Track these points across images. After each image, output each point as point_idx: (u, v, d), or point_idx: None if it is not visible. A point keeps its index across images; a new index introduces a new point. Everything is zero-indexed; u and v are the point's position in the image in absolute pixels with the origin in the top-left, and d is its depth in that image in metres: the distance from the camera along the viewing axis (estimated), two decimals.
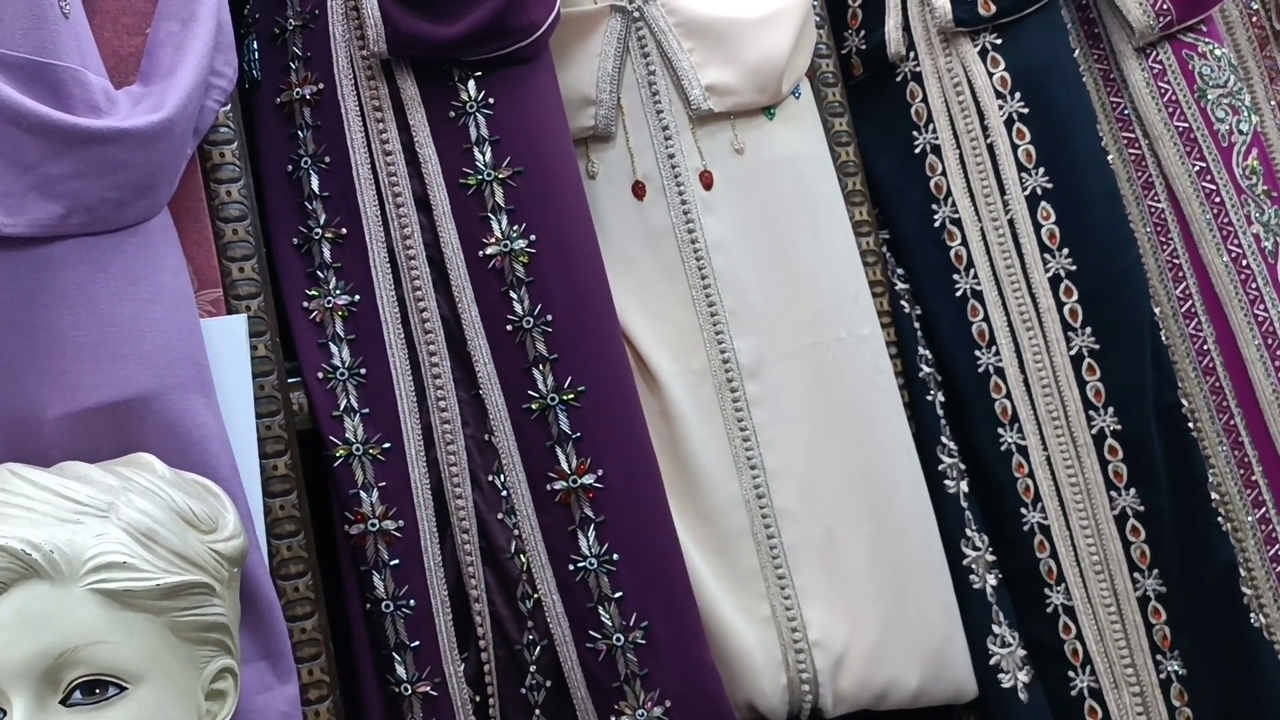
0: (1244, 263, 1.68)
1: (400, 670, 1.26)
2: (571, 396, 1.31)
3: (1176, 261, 1.71)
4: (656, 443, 1.38)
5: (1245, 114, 1.73)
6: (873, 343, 1.51)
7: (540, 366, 1.31)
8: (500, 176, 1.33)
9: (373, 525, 1.27)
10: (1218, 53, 1.72)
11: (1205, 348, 1.69)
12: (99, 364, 1.02)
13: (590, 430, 1.30)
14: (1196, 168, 1.70)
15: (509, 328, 1.32)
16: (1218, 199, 1.70)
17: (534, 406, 1.31)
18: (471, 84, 1.34)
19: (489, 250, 1.32)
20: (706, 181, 1.46)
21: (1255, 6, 1.89)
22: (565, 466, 1.30)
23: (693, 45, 1.47)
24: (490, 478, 1.31)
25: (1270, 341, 1.66)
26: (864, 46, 1.66)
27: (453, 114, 1.34)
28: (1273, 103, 1.86)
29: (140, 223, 1.07)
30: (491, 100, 1.34)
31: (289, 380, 1.29)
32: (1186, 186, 1.70)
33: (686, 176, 1.46)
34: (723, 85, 1.47)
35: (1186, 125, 1.71)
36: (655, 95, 1.47)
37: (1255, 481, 1.64)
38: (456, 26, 1.29)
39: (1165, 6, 1.68)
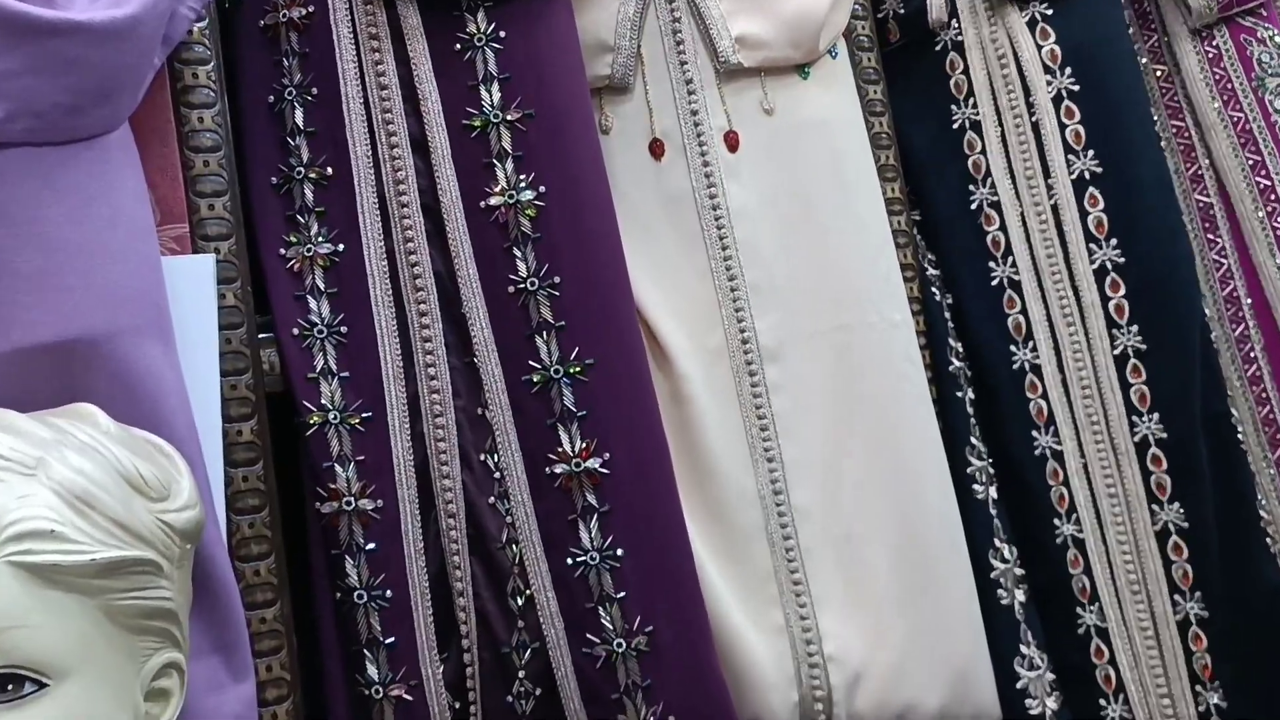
0: None
1: (371, 670, 1.12)
2: (578, 369, 1.17)
3: (1224, 262, 1.59)
4: (666, 427, 1.24)
5: None
6: (904, 330, 1.38)
7: (544, 334, 1.17)
8: (508, 119, 1.19)
9: (347, 504, 1.13)
10: (1278, 39, 1.61)
11: (1252, 355, 1.57)
12: (41, 296, 0.87)
13: (598, 408, 1.17)
14: (1250, 162, 1.59)
15: (511, 289, 1.18)
16: (1272, 197, 1.58)
17: (535, 379, 1.17)
18: (481, 15, 1.20)
19: (492, 201, 1.18)
20: (731, 143, 1.33)
21: None
22: (568, 448, 1.16)
23: None
24: (482, 457, 1.17)
25: None
26: (902, 10, 1.53)
27: (458, 47, 1.20)
28: None
29: (97, 136, 0.91)
30: (502, 34, 1.20)
31: (260, 335, 1.15)
32: (1239, 182, 1.58)
33: (710, 136, 1.32)
34: (754, 38, 1.33)
35: (1241, 116, 1.59)
36: (679, 45, 1.33)
37: None
38: None
39: None
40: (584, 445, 1.16)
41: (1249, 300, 1.57)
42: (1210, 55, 1.61)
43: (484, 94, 1.19)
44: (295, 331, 1.17)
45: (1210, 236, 1.60)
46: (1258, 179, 1.58)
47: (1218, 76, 1.60)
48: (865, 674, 1.26)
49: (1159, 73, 1.64)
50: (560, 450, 1.16)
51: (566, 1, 1.27)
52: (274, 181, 1.20)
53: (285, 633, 1.08)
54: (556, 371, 1.17)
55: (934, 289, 1.47)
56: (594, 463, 1.16)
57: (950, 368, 1.44)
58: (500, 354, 1.17)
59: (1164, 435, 1.41)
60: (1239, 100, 1.60)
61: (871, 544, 1.30)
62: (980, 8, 1.50)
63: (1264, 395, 1.56)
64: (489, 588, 1.15)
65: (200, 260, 1.05)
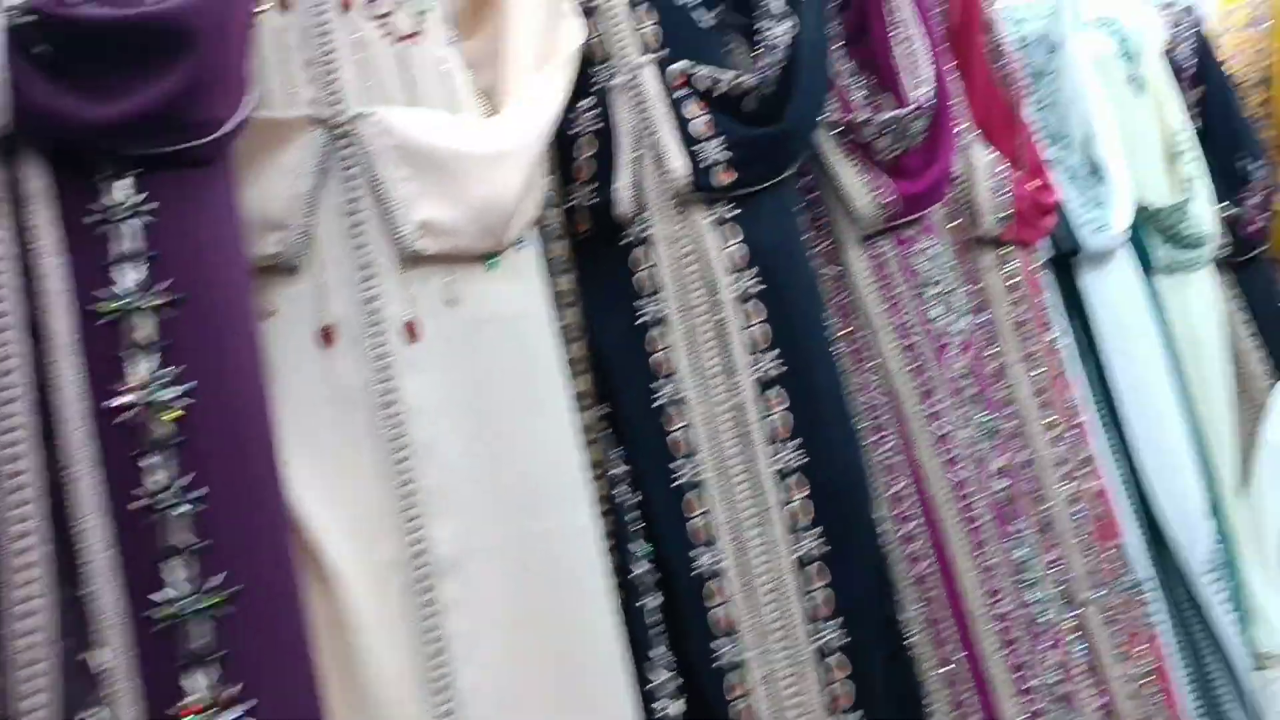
0: (959, 466, 1.62)
1: None
2: (219, 600, 0.99)
3: (892, 460, 1.63)
4: (325, 658, 1.09)
5: (960, 313, 1.71)
6: (588, 535, 1.31)
7: (179, 558, 0.99)
8: (154, 304, 1.02)
9: None
10: (936, 249, 1.71)
11: (916, 555, 1.60)
12: None
13: (242, 648, 0.99)
14: (915, 365, 1.65)
15: (136, 505, 0.99)
16: (933, 399, 1.65)
17: (161, 615, 0.98)
18: (127, 183, 1.04)
19: (122, 400, 1.01)
20: (411, 335, 1.22)
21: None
22: (200, 696, 0.97)
23: (409, 174, 1.23)
24: (88, 715, 0.96)
25: (977, 556, 1.60)
26: (592, 201, 1.48)
27: (91, 219, 1.03)
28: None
29: None
30: (152, 206, 1.04)
31: None
32: (904, 383, 1.64)
33: (387, 326, 1.21)
34: (440, 224, 1.24)
35: (904, 320, 1.66)
36: (356, 226, 1.22)
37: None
38: (113, 109, 0.99)
39: (892, 199, 1.64)
40: (223, 694, 0.98)
41: (916, 498, 1.62)
42: (876, 262, 1.68)
43: (122, 274, 1.02)
44: None
45: (879, 435, 1.64)
46: (919, 382, 1.65)
47: (883, 282, 1.67)
48: None
49: (831, 274, 1.69)
50: (193, 702, 0.97)
51: (227, 170, 1.13)
52: None
53: None
54: (186, 606, 0.99)
55: (622, 487, 1.41)
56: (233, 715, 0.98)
57: (632, 575, 1.37)
58: (122, 584, 0.98)
59: (846, 641, 1.40)
60: (901, 305, 1.67)
61: None
62: (669, 204, 1.48)
63: (929, 594, 1.59)
64: None
65: None
